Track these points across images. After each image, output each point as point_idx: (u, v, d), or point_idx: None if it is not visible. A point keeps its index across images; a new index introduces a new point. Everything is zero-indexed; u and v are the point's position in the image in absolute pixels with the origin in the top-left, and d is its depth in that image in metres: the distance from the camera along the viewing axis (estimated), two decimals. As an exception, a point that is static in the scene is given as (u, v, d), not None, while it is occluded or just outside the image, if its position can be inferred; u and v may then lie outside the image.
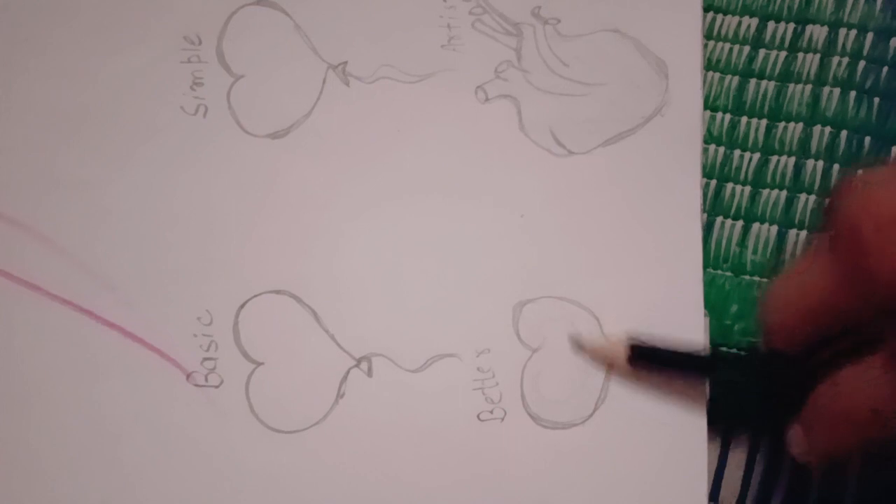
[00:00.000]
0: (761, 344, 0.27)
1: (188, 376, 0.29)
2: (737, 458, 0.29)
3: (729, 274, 0.30)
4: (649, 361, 0.28)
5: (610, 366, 0.29)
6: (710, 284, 0.30)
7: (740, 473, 0.29)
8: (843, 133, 0.31)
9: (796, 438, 0.26)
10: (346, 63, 0.30)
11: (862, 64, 0.31)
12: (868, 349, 0.24)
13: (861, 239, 0.23)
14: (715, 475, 0.29)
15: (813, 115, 0.31)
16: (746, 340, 0.29)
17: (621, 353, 0.28)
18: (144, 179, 0.29)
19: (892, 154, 0.31)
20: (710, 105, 0.31)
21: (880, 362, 0.24)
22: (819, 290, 0.24)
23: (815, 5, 0.32)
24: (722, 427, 0.29)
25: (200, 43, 0.30)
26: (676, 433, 0.28)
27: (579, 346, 0.29)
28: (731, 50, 0.31)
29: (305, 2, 0.30)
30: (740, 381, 0.28)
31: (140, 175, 0.29)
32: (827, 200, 0.25)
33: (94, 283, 0.29)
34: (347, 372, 0.29)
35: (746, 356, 0.29)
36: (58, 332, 0.28)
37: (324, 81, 0.30)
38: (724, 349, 0.29)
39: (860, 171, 0.25)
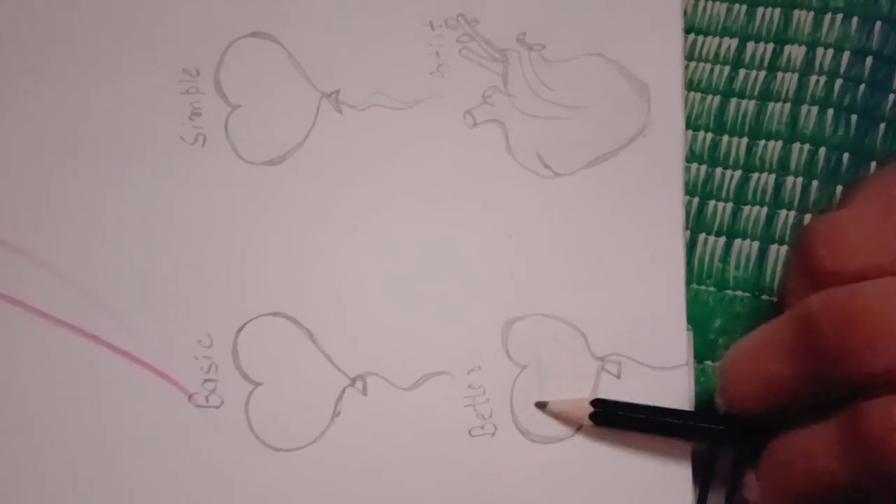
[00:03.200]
0: (719, 408, 0.28)
1: (190, 398, 0.29)
2: (723, 468, 0.30)
3: (712, 289, 0.31)
4: (614, 420, 0.29)
5: (579, 427, 0.29)
6: (693, 300, 0.31)
7: (727, 484, 0.30)
8: (822, 150, 0.32)
9: (749, 485, 0.27)
10: (338, 91, 0.31)
11: (839, 82, 0.32)
12: (823, 414, 0.25)
13: (820, 334, 0.24)
14: (702, 485, 0.30)
15: (792, 133, 0.32)
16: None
17: (585, 412, 0.29)
18: (146, 207, 0.30)
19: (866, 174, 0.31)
20: (691, 124, 0.32)
21: (832, 428, 0.25)
22: (776, 367, 0.25)
23: (793, 26, 0.32)
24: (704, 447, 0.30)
25: (198, 74, 0.31)
26: (662, 446, 0.29)
27: (542, 406, 0.29)
28: (711, 70, 0.32)
29: (299, 33, 0.31)
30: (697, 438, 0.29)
31: (141, 203, 0.30)
32: (792, 249, 0.25)
33: (96, 308, 0.30)
34: (343, 391, 0.30)
35: (708, 417, 0.29)
36: (62, 356, 0.29)
37: (317, 109, 0.31)
38: (684, 410, 0.29)
39: (825, 220, 0.25)
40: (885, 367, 0.23)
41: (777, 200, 0.31)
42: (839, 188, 0.31)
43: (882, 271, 0.24)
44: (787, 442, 0.26)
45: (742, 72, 0.32)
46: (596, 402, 0.29)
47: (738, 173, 0.32)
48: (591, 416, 0.29)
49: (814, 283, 0.25)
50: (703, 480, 0.30)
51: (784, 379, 0.25)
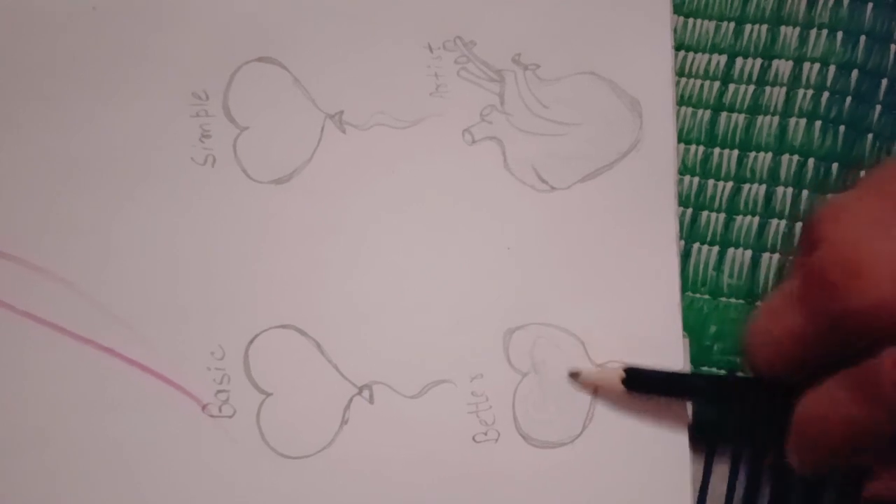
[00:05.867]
0: (746, 371, 0.29)
1: (203, 408, 0.31)
2: (720, 471, 0.31)
3: (707, 297, 0.32)
4: (643, 385, 0.30)
5: (595, 389, 0.31)
6: (688, 307, 0.32)
7: (724, 486, 0.31)
8: (811, 161, 0.32)
9: (789, 450, 0.27)
10: (342, 112, 0.32)
11: (826, 95, 0.33)
12: (844, 365, 0.25)
13: (828, 285, 0.25)
14: (700, 488, 0.31)
15: (781, 144, 0.33)
16: (725, 360, 0.31)
17: (616, 378, 0.30)
18: (160, 225, 0.32)
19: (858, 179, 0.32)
20: (683, 138, 0.33)
21: (852, 380, 0.25)
22: (794, 325, 0.26)
23: (780, 42, 0.33)
24: (706, 440, 0.31)
25: (208, 98, 0.32)
26: (660, 450, 0.30)
27: (576, 375, 0.31)
28: (702, 86, 0.33)
29: (303, 57, 0.33)
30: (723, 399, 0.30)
31: (156, 221, 0.32)
32: (800, 229, 0.26)
33: (113, 323, 0.31)
34: (350, 399, 0.31)
35: (732, 379, 0.30)
36: (80, 369, 0.31)
37: (322, 130, 0.32)
38: (712, 373, 0.31)
39: (830, 201, 0.27)
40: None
41: (768, 210, 0.32)
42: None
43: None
44: (816, 392, 0.26)
45: (731, 87, 0.33)
46: (628, 370, 0.30)
47: (729, 184, 0.33)
48: (624, 382, 0.30)
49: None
50: (701, 487, 0.31)
51: (802, 332, 0.26)
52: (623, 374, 0.30)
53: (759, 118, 0.33)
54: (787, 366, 0.27)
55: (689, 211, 0.32)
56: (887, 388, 0.24)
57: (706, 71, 0.33)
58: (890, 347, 0.24)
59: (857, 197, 0.26)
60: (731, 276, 0.32)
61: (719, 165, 0.33)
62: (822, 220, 0.26)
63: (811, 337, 0.26)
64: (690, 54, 0.33)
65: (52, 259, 0.31)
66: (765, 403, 0.29)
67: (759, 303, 0.27)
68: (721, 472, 0.31)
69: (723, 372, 0.31)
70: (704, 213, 0.32)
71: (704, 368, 0.31)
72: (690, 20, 0.33)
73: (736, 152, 0.33)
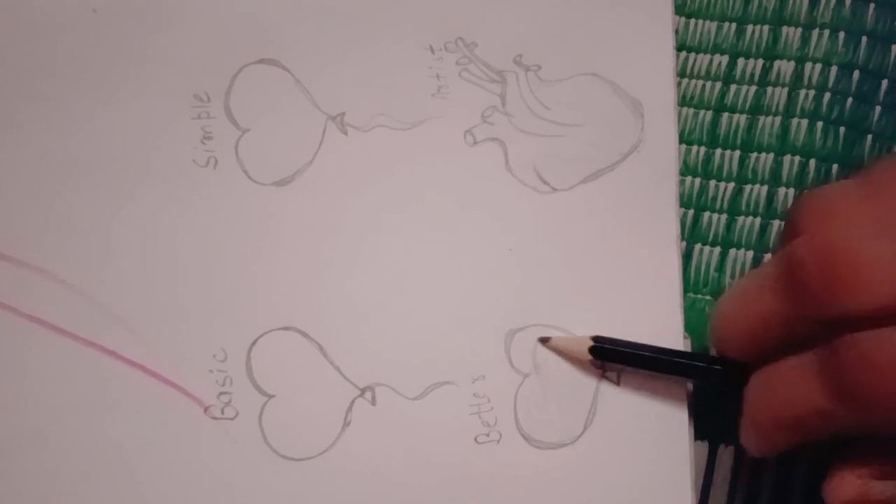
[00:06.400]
0: (711, 351, 0.29)
1: (206, 410, 0.31)
2: (722, 471, 0.31)
3: (708, 298, 0.32)
4: (612, 356, 0.30)
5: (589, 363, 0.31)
6: (690, 308, 0.32)
7: (726, 487, 0.31)
8: (812, 162, 0.33)
9: (742, 429, 0.28)
10: (343, 114, 0.32)
11: (827, 96, 0.33)
12: (799, 349, 0.26)
13: (805, 274, 0.25)
14: (702, 489, 0.31)
15: (783, 145, 0.33)
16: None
17: (584, 347, 0.30)
18: (162, 227, 0.32)
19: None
20: (685, 139, 0.33)
21: (814, 359, 0.25)
22: (764, 307, 0.26)
23: (782, 42, 0.33)
24: (708, 440, 0.31)
25: (209, 100, 0.32)
26: (662, 450, 0.30)
27: (545, 341, 0.31)
28: (703, 86, 0.33)
29: (304, 59, 0.33)
30: (716, 390, 0.30)
31: (158, 223, 0.32)
32: (784, 219, 0.27)
33: (115, 325, 0.31)
34: (353, 401, 0.31)
35: (702, 356, 0.31)
36: (82, 371, 0.31)
37: (324, 131, 0.32)
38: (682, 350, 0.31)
39: (815, 192, 0.27)
40: (869, 307, 0.24)
41: (770, 211, 0.32)
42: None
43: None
44: (769, 371, 0.26)
45: (733, 87, 0.33)
46: (596, 339, 0.30)
47: (731, 185, 0.33)
48: (591, 351, 0.30)
49: None
50: (703, 487, 0.31)
51: (772, 319, 0.26)
52: (591, 343, 0.30)
53: (761, 119, 0.33)
54: (754, 352, 0.27)
55: (691, 212, 0.32)
56: (848, 373, 0.24)
57: (708, 71, 0.33)
58: (854, 334, 0.24)
59: (841, 191, 0.26)
60: (732, 277, 0.32)
61: (721, 166, 0.33)
62: (802, 210, 0.26)
63: (784, 329, 0.26)
64: (692, 55, 0.33)
65: (53, 260, 0.31)
66: (729, 381, 0.29)
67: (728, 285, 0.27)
68: (723, 472, 0.31)
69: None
70: (706, 214, 0.32)
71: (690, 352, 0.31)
72: (692, 21, 0.33)
73: (738, 153, 0.33)
